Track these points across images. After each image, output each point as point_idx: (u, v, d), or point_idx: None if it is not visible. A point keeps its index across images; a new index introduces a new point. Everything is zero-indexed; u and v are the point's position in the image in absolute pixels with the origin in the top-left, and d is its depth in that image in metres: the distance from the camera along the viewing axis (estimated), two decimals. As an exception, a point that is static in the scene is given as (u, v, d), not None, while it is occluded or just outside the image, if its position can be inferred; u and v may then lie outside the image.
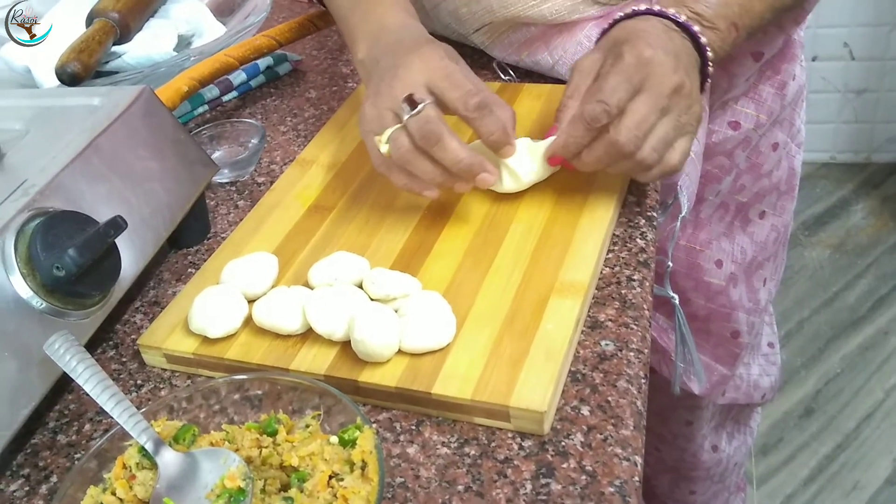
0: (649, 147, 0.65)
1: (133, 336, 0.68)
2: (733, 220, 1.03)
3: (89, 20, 0.95)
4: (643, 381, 0.58)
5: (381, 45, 0.75)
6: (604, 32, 0.72)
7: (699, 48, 0.70)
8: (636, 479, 0.52)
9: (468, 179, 0.68)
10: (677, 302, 0.92)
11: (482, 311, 0.62)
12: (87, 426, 0.61)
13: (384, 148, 0.68)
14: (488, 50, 0.94)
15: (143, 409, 0.53)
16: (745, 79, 0.92)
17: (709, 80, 0.72)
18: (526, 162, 0.71)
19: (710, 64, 0.71)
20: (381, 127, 0.69)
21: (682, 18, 0.70)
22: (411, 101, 0.66)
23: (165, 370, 0.65)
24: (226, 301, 0.64)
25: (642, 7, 0.71)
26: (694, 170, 0.87)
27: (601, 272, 0.67)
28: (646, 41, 0.67)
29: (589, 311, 0.63)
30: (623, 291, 0.65)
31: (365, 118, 0.71)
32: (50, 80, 0.90)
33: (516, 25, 0.89)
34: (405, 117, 0.67)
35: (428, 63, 0.69)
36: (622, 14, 0.72)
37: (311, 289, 0.65)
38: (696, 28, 0.70)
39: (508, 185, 0.72)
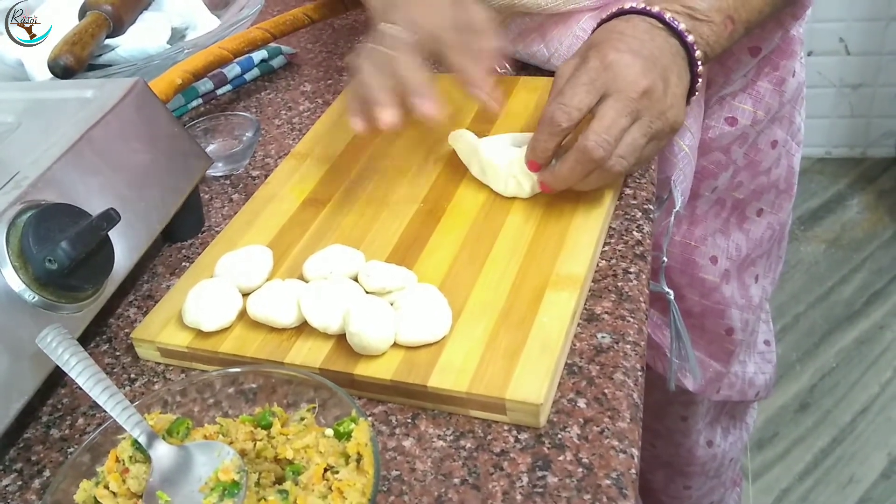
0: (617, 155, 0.64)
1: (127, 330, 0.68)
2: (729, 216, 1.02)
3: (82, 13, 0.94)
4: (640, 373, 0.58)
5: None
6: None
7: (687, 47, 0.69)
8: (633, 471, 0.51)
9: (414, 104, 0.66)
10: (672, 298, 0.92)
11: (478, 303, 0.62)
12: (81, 420, 0.61)
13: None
14: (484, 41, 0.93)
15: (137, 403, 0.53)
16: (743, 74, 0.91)
17: (700, 80, 0.71)
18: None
19: (700, 62, 0.70)
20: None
21: (668, 16, 0.69)
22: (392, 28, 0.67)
23: (159, 364, 0.65)
24: (220, 294, 0.63)
25: (627, 6, 0.71)
26: (688, 165, 0.86)
27: (597, 265, 0.67)
28: (614, 44, 0.66)
29: (585, 304, 0.63)
30: (619, 284, 0.65)
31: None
32: (42, 73, 0.90)
33: (512, 15, 0.89)
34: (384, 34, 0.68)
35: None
36: (607, 15, 0.72)
37: (306, 282, 0.65)
38: (682, 26, 0.69)
39: (514, 191, 0.72)
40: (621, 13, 0.71)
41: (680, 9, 0.70)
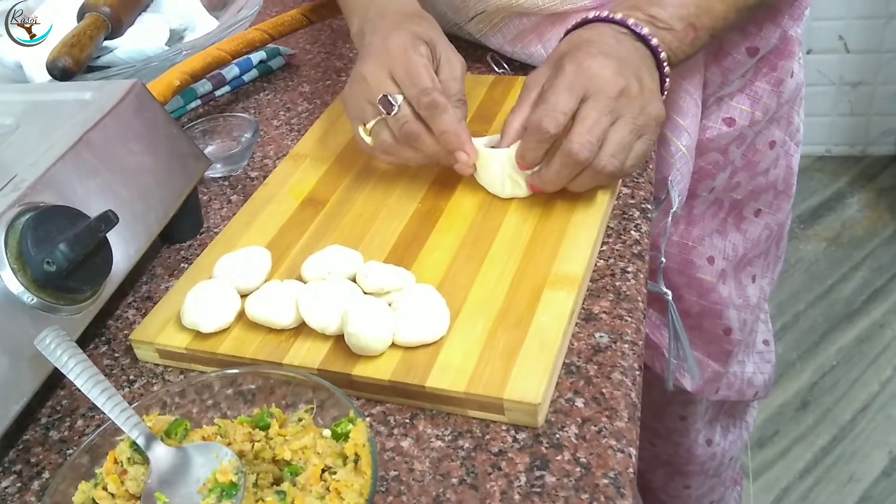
0: (607, 154, 0.65)
1: (125, 331, 0.68)
2: (727, 217, 1.02)
3: (81, 14, 0.94)
4: (637, 373, 0.58)
5: (368, 18, 0.78)
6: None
7: (652, 50, 0.71)
8: (631, 470, 0.51)
9: (450, 163, 0.71)
10: (670, 298, 0.92)
11: (476, 303, 0.62)
12: (80, 422, 0.61)
13: (368, 140, 0.73)
14: (483, 40, 0.94)
15: (135, 404, 0.53)
16: (741, 74, 0.91)
17: (668, 80, 0.72)
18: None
19: (667, 65, 0.71)
20: (362, 118, 0.73)
21: (631, 22, 0.71)
22: (386, 103, 0.70)
23: (158, 365, 0.65)
24: (219, 296, 0.63)
25: (591, 15, 0.73)
26: (685, 165, 0.86)
27: (595, 264, 0.67)
28: (586, 51, 0.68)
29: (583, 304, 0.63)
30: (617, 284, 0.65)
31: (347, 105, 0.75)
32: (41, 75, 0.90)
33: (510, 15, 0.89)
34: (383, 114, 0.70)
35: (391, 55, 0.71)
36: (571, 25, 0.74)
37: (305, 283, 0.65)
38: (645, 30, 0.71)
39: (511, 191, 0.72)
40: (585, 23, 0.73)
41: (642, 16, 0.72)
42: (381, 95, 0.70)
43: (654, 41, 0.71)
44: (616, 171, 0.66)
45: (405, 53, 0.71)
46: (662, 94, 0.72)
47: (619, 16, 0.71)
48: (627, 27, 0.71)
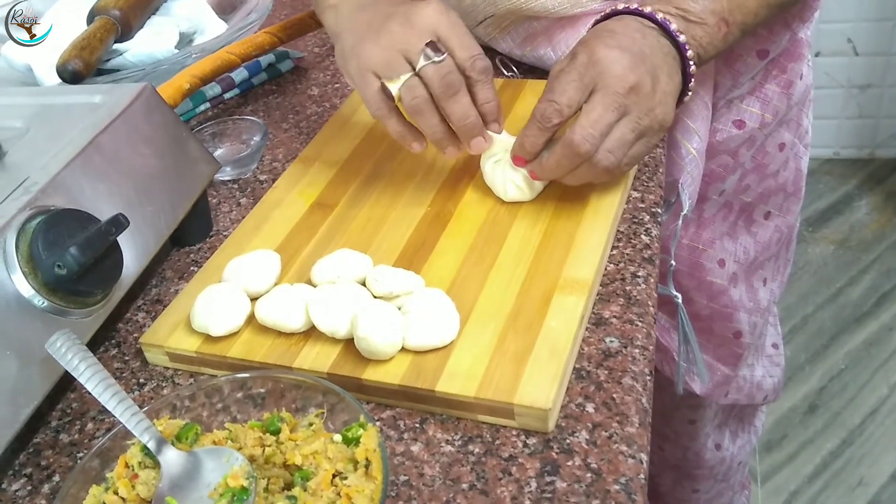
0: (604, 149, 0.65)
1: (135, 334, 0.68)
2: (737, 219, 1.02)
3: (90, 18, 0.95)
4: (648, 378, 0.58)
5: None
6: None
7: (679, 47, 0.70)
8: (641, 476, 0.51)
9: (466, 139, 0.69)
10: (680, 301, 0.92)
11: (486, 308, 0.62)
12: (90, 425, 0.61)
13: (396, 92, 0.67)
14: (492, 43, 0.94)
15: (146, 408, 0.53)
16: (751, 77, 0.91)
17: (692, 80, 0.71)
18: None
19: (693, 62, 0.70)
20: (391, 71, 0.67)
21: (660, 17, 0.69)
22: (435, 48, 0.66)
23: (168, 369, 0.65)
24: (228, 299, 0.63)
25: (621, 6, 0.72)
26: (696, 168, 0.86)
27: (605, 269, 0.67)
28: (604, 41, 0.67)
29: (593, 308, 0.63)
30: (628, 288, 0.64)
31: (368, 58, 0.68)
32: (51, 78, 0.90)
33: (520, 19, 0.89)
34: (423, 63, 0.66)
35: (438, 11, 0.68)
36: (601, 15, 0.73)
37: (314, 286, 0.65)
38: (673, 26, 0.69)
39: (516, 195, 0.72)
40: (615, 14, 0.72)
41: (673, 10, 0.70)
42: (428, 41, 0.66)
43: (682, 38, 0.69)
44: (611, 168, 0.66)
45: (448, 17, 0.68)
46: (686, 94, 0.71)
47: (648, 9, 0.70)
48: (656, 22, 0.69)
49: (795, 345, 1.98)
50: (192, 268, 0.75)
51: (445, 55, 0.66)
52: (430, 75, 0.66)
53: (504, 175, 0.71)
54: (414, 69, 0.67)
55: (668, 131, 0.84)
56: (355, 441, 0.50)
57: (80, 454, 0.59)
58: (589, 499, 0.50)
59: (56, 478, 0.57)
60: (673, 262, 0.91)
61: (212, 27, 1.03)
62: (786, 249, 1.10)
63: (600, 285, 0.65)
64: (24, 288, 0.57)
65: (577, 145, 0.64)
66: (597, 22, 0.73)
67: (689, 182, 0.86)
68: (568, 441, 0.54)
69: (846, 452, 1.74)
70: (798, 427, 1.81)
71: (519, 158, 0.69)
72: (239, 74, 1.01)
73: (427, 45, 0.66)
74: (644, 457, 0.52)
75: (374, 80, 0.68)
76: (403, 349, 0.59)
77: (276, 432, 0.52)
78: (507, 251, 0.67)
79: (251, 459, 0.51)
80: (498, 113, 0.70)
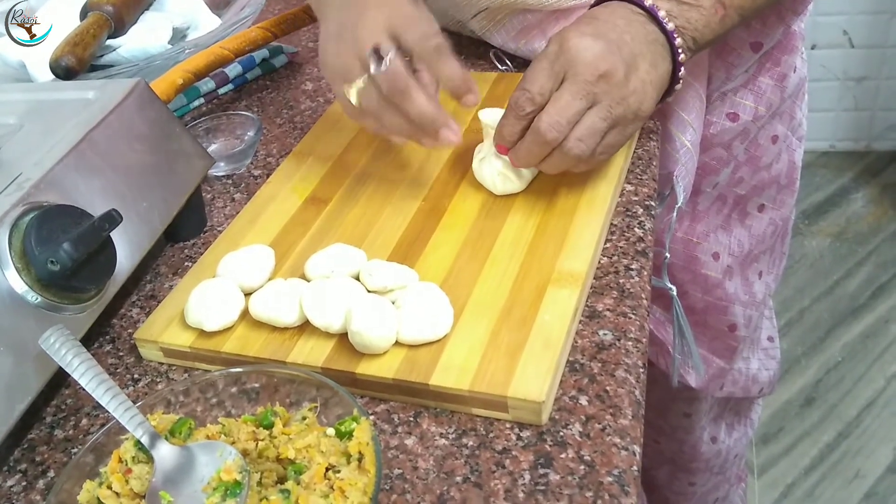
0: (574, 137, 0.65)
1: (129, 330, 0.68)
2: (731, 212, 1.02)
3: (83, 13, 0.94)
4: (641, 370, 0.58)
5: None
6: None
7: (667, 34, 0.69)
8: (635, 468, 0.51)
9: (431, 134, 0.68)
10: (675, 294, 0.92)
11: (480, 301, 0.62)
12: (84, 421, 0.61)
13: (354, 99, 0.69)
14: (486, 37, 0.93)
15: (140, 403, 0.53)
16: (744, 70, 0.91)
17: (682, 68, 0.70)
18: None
19: (681, 50, 0.69)
20: (348, 77, 0.68)
21: (648, 3, 0.68)
22: (377, 54, 0.66)
23: (162, 364, 0.65)
24: (222, 294, 0.63)
25: None
26: (690, 161, 0.86)
27: (599, 262, 0.67)
28: (579, 28, 0.66)
29: (587, 301, 0.63)
30: (621, 281, 0.65)
31: (329, 65, 0.70)
32: (44, 74, 0.90)
33: (514, 11, 0.89)
34: (372, 69, 0.66)
35: (392, 7, 0.67)
36: (594, 1, 0.72)
37: (308, 281, 0.65)
38: (662, 13, 0.68)
39: (505, 187, 0.72)
40: (602, 0, 0.71)
41: None
42: (373, 45, 0.66)
43: (671, 25, 0.68)
44: (582, 156, 0.65)
45: (406, 7, 0.67)
46: (675, 83, 0.71)
47: None
48: (644, 8, 0.68)
49: (792, 337, 1.98)
50: (186, 263, 0.75)
51: (388, 59, 0.65)
52: (379, 80, 0.66)
53: (491, 167, 0.71)
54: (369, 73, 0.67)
55: (662, 124, 0.84)
56: (348, 435, 0.50)
57: (75, 450, 0.59)
58: (582, 491, 0.50)
59: (50, 473, 0.57)
60: (667, 255, 0.91)
61: (205, 22, 1.03)
62: (781, 242, 1.10)
63: (594, 278, 0.65)
64: (18, 284, 0.57)
65: (543, 133, 0.64)
66: (590, 7, 0.73)
67: (683, 175, 0.86)
68: (561, 434, 0.54)
69: (843, 445, 1.75)
70: (795, 419, 1.82)
71: (501, 146, 0.70)
72: (233, 70, 1.00)
73: (371, 51, 0.66)
74: (637, 449, 0.53)
75: (340, 85, 0.70)
76: (397, 343, 0.59)
77: (270, 426, 0.52)
78: (501, 245, 0.67)
79: (244, 453, 0.51)
80: (466, 85, 0.67)
